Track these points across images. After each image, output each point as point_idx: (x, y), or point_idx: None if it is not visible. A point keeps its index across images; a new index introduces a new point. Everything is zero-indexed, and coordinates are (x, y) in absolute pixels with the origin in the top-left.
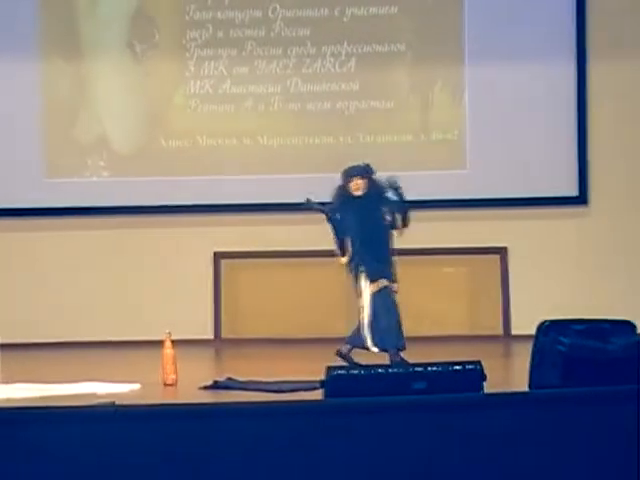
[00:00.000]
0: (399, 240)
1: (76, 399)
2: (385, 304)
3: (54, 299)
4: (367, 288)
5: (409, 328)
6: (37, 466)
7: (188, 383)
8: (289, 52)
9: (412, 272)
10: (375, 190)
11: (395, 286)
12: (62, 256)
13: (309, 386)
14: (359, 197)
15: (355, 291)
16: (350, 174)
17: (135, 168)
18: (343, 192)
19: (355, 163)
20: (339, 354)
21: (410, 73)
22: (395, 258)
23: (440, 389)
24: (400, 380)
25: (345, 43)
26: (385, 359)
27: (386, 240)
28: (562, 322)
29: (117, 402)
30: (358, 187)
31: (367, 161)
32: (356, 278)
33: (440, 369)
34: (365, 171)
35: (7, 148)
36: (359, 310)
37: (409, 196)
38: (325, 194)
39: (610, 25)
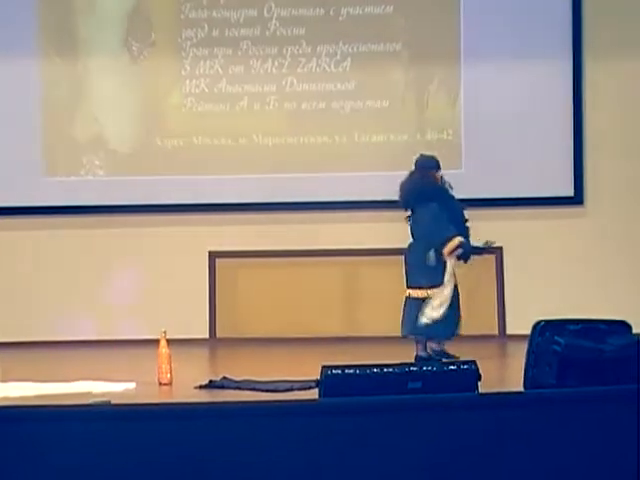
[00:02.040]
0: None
1: (72, 398)
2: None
3: (50, 298)
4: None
5: None
6: (32, 464)
7: (183, 382)
8: (284, 51)
9: None
10: (443, 180)
11: None
12: (59, 254)
13: (304, 386)
14: (441, 187)
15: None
16: (437, 166)
17: (131, 167)
18: (431, 182)
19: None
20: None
21: (406, 72)
22: None
23: (435, 389)
24: (395, 380)
25: (340, 42)
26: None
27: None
28: (557, 322)
29: (112, 401)
30: (440, 178)
31: (363, 160)
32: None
33: (435, 369)
34: (439, 164)
35: (4, 146)
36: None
37: None
38: (321, 193)
39: (607, 25)
